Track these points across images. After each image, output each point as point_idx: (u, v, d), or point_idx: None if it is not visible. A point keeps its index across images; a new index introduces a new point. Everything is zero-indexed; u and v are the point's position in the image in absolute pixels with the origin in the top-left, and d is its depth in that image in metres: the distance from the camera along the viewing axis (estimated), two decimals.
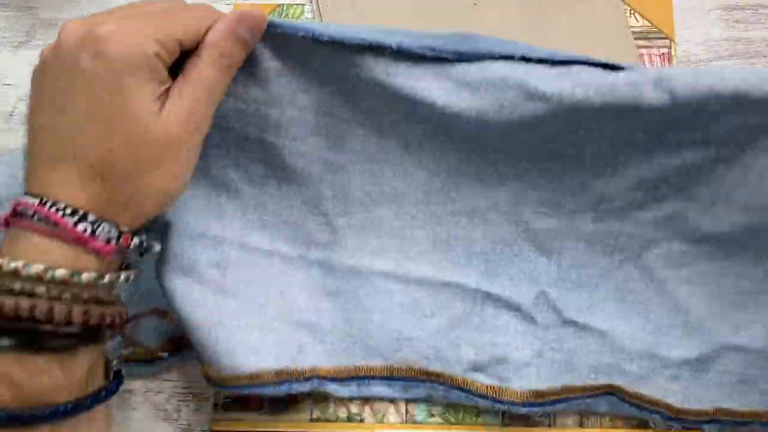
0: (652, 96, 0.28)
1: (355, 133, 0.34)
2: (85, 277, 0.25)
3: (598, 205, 0.34)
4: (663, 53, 0.40)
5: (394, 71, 0.31)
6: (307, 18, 0.41)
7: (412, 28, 0.32)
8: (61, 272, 0.24)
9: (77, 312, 0.25)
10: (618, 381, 0.34)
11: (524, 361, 0.35)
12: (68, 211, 0.25)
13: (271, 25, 0.29)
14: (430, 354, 0.35)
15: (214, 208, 0.35)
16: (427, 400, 0.37)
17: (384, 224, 0.36)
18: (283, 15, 0.41)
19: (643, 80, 0.29)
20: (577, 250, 0.35)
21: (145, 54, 0.25)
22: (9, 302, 0.24)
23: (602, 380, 0.35)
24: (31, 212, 0.25)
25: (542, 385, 0.35)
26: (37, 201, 0.25)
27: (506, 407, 0.35)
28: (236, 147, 0.34)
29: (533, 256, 0.35)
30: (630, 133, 0.31)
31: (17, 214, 0.26)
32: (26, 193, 0.26)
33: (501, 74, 0.30)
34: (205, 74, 0.27)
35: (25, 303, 0.24)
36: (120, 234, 0.27)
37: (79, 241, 0.25)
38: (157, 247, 0.30)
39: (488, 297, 0.35)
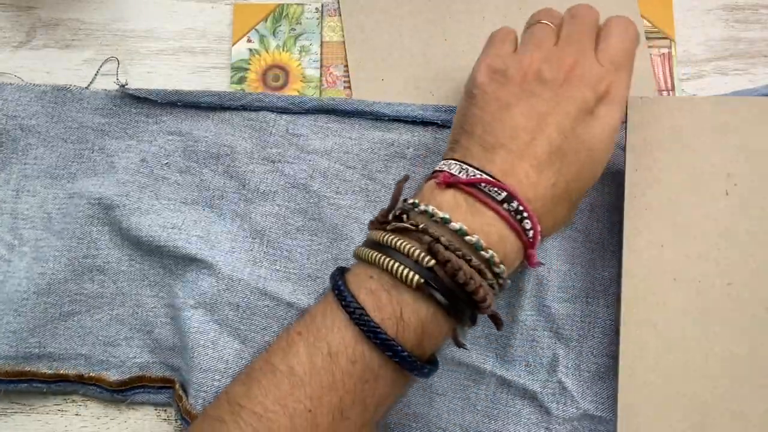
0: None
1: (386, 196, 0.37)
2: (501, 269, 0.27)
3: (608, 289, 0.35)
4: (663, 53, 0.40)
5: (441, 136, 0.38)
6: (308, 17, 0.41)
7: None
8: (502, 267, 0.27)
9: (490, 296, 0.27)
10: None
11: None
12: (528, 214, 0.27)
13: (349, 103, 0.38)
14: None
15: (245, 254, 0.36)
16: None
17: None
18: (283, 15, 0.41)
19: None
20: (594, 338, 0.35)
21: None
22: (465, 268, 0.26)
23: None
24: (501, 196, 0.27)
25: None
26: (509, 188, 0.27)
27: None
28: (282, 196, 0.37)
29: (552, 342, 0.35)
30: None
31: (474, 186, 0.27)
32: (484, 172, 0.28)
33: None
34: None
35: (476, 277, 0.26)
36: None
37: (525, 245, 0.28)
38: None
39: (503, 382, 0.35)
